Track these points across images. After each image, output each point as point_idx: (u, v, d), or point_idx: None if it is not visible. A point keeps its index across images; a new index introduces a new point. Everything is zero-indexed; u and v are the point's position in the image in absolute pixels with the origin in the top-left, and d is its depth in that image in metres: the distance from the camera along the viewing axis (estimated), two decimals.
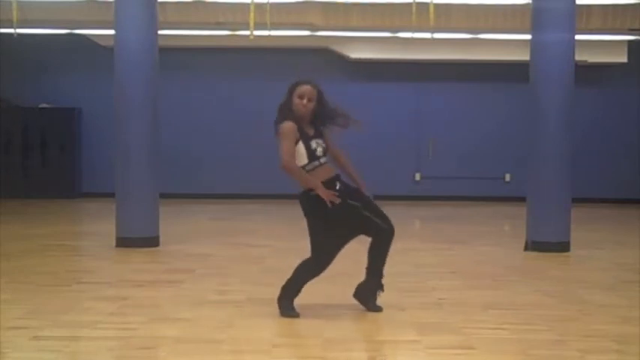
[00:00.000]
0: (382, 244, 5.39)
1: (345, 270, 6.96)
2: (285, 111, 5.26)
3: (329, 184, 5.20)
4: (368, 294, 5.45)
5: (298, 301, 5.71)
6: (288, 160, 5.12)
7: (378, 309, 5.40)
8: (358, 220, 5.24)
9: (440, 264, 7.60)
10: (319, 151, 5.24)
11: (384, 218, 5.39)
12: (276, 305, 5.40)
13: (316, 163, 5.22)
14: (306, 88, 5.26)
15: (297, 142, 5.17)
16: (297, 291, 5.35)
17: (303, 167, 5.18)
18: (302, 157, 5.18)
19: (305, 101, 5.22)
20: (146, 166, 8.34)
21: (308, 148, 5.19)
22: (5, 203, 12.43)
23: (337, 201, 5.11)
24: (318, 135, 5.31)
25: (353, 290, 5.50)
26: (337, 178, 5.31)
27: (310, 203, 5.20)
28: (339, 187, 5.25)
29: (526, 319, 5.27)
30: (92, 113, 13.99)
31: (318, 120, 5.33)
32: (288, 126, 5.17)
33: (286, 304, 5.30)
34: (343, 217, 5.17)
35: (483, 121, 14.05)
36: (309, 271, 5.33)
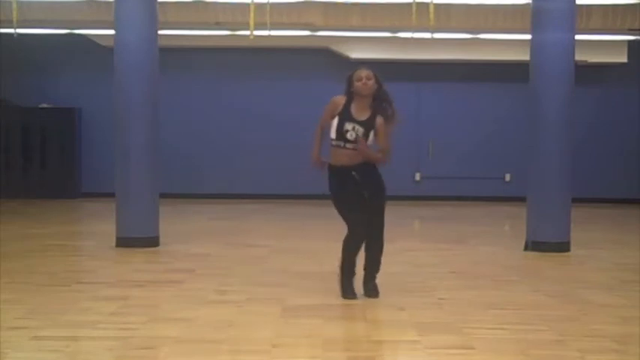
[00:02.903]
0: (369, 237, 5.74)
1: None
2: (348, 93, 5.69)
3: (341, 170, 5.61)
4: (369, 282, 5.91)
5: (300, 301, 5.71)
6: (317, 129, 5.76)
7: (374, 294, 5.85)
8: (355, 203, 5.64)
9: (440, 264, 7.60)
10: (350, 134, 5.56)
11: (375, 223, 5.72)
12: (276, 305, 5.41)
13: (340, 143, 5.59)
14: (361, 71, 5.68)
15: (333, 117, 5.61)
16: (351, 268, 5.75)
17: (331, 139, 5.63)
18: (332, 131, 5.62)
19: (364, 80, 5.62)
20: (146, 166, 8.34)
21: (339, 127, 5.58)
22: (5, 203, 12.43)
23: (317, 169, 5.67)
24: (368, 123, 5.62)
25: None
26: (355, 168, 5.60)
27: (328, 180, 5.72)
28: (354, 175, 5.62)
29: (526, 319, 5.27)
30: (92, 113, 13.99)
31: (376, 102, 5.71)
32: (333, 99, 5.70)
33: (346, 285, 5.75)
34: (344, 197, 5.64)
35: (483, 121, 14.05)
36: (349, 244, 5.70)
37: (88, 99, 13.96)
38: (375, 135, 5.69)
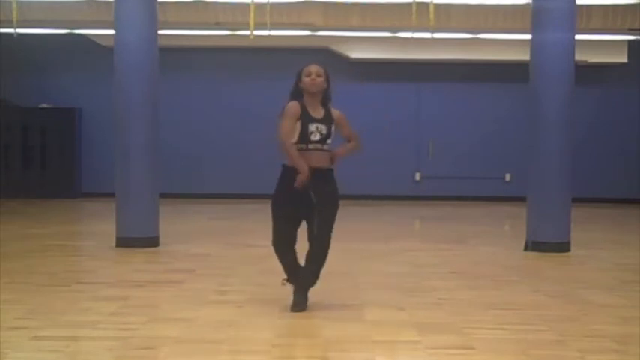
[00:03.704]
0: (310, 246, 5.38)
1: (344, 269, 6.97)
2: (295, 94, 5.35)
3: (296, 171, 5.19)
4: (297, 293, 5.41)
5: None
6: (282, 138, 5.23)
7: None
8: (304, 210, 5.26)
9: (440, 264, 7.60)
10: (315, 136, 5.24)
11: (320, 233, 5.30)
12: (276, 305, 5.41)
13: (303, 146, 5.23)
14: (312, 66, 5.36)
15: (297, 121, 5.24)
16: (286, 271, 5.46)
17: (295, 144, 5.24)
18: (296, 134, 5.24)
19: (313, 76, 5.30)
20: (146, 166, 8.34)
21: (303, 130, 5.23)
22: (5, 203, 12.43)
23: (300, 189, 5.16)
24: (327, 120, 5.32)
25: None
26: (316, 171, 5.19)
27: (281, 175, 5.35)
28: (312, 180, 5.19)
29: (526, 319, 5.26)
30: (92, 113, 14.00)
31: (324, 101, 5.38)
32: (290, 105, 5.27)
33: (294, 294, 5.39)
34: (294, 200, 5.24)
35: (483, 121, 14.06)
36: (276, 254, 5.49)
37: (88, 99, 13.97)
38: (339, 127, 5.39)
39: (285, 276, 5.50)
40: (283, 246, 5.43)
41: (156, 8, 8.43)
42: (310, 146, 5.24)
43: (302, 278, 5.41)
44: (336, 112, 5.39)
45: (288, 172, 5.26)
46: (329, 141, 5.30)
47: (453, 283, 6.56)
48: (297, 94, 5.34)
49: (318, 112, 5.30)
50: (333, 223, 5.35)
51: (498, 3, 11.34)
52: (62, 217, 11.62)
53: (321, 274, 5.44)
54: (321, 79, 5.32)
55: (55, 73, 14.03)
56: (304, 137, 5.23)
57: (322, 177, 5.27)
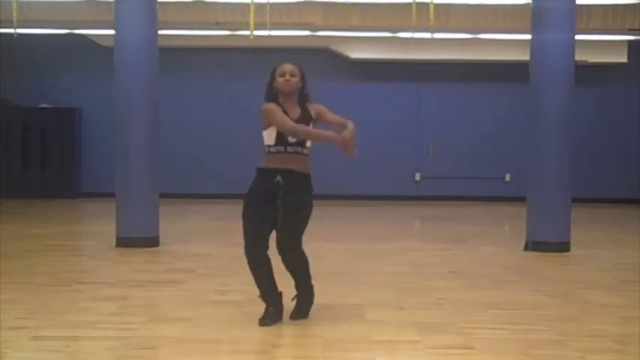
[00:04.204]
0: (289, 268, 5.22)
1: (343, 270, 6.97)
2: (270, 97, 5.07)
3: (267, 172, 5.00)
4: (304, 305, 5.23)
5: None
6: (289, 124, 4.91)
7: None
8: (267, 217, 5.08)
9: (440, 264, 7.60)
10: (292, 138, 4.95)
11: (283, 240, 5.13)
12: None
13: (281, 148, 4.96)
14: (286, 66, 5.06)
15: (270, 125, 4.96)
16: (266, 287, 5.11)
17: (268, 146, 4.99)
18: (270, 138, 4.97)
19: (287, 76, 5.01)
20: (146, 166, 8.34)
21: (279, 132, 4.94)
22: (5, 203, 12.43)
23: (347, 147, 4.85)
24: (305, 117, 5.05)
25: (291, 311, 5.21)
26: (285, 173, 4.96)
27: (256, 177, 5.14)
28: (278, 180, 4.97)
29: (526, 319, 5.26)
30: (92, 113, 14.01)
31: (300, 101, 5.10)
32: (271, 106, 4.97)
33: (266, 308, 5.09)
34: (258, 207, 5.11)
35: (483, 121, 14.06)
36: (248, 264, 5.23)
37: (88, 99, 13.98)
38: (322, 120, 5.13)
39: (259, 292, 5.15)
40: (258, 249, 5.12)
41: (156, 8, 8.44)
42: (289, 149, 4.97)
43: (305, 302, 5.20)
44: (315, 107, 5.12)
45: (263, 174, 5.05)
46: (308, 144, 5.02)
47: (453, 283, 6.56)
48: (272, 95, 5.07)
49: (295, 112, 5.04)
50: (298, 233, 5.11)
51: (498, 3, 11.34)
52: (62, 217, 11.62)
53: (314, 274, 5.29)
54: (295, 79, 5.03)
55: (55, 73, 14.03)
56: (281, 139, 4.95)
57: (294, 183, 4.99)
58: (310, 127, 5.01)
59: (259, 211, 5.10)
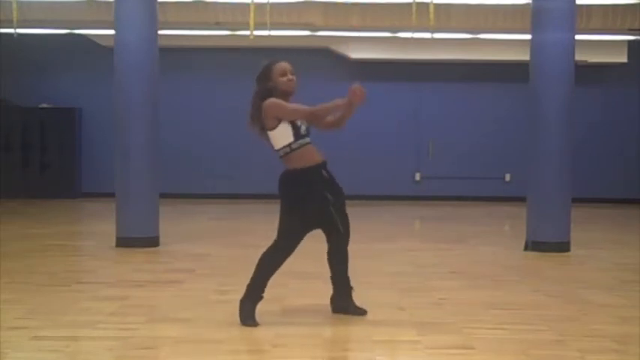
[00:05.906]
0: (339, 249, 5.21)
1: None
2: (265, 96, 4.93)
3: (316, 169, 4.94)
4: (345, 302, 5.27)
5: (300, 301, 5.71)
6: (306, 109, 4.83)
7: (362, 312, 5.24)
8: (324, 214, 4.97)
9: (440, 264, 7.60)
10: (303, 129, 4.93)
11: (345, 223, 5.12)
12: (276, 305, 5.40)
13: (302, 141, 4.90)
14: (284, 64, 4.97)
15: (280, 122, 4.87)
16: (261, 289, 5.06)
17: (289, 146, 4.89)
18: (287, 136, 4.88)
19: (290, 75, 4.95)
20: (146, 166, 8.34)
21: (294, 126, 4.87)
22: (5, 203, 12.43)
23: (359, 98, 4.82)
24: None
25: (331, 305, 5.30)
26: (324, 165, 5.02)
27: (290, 184, 4.98)
28: (325, 175, 4.99)
29: (526, 319, 5.26)
30: (92, 113, 14.00)
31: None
32: (271, 98, 4.88)
33: (248, 310, 4.99)
34: (315, 206, 4.94)
35: (483, 121, 14.06)
36: (274, 259, 5.08)
37: (88, 99, 13.97)
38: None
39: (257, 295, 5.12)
40: (290, 255, 5.10)
41: (156, 8, 8.44)
42: (308, 140, 4.95)
43: (348, 286, 5.25)
44: None
45: (310, 173, 4.91)
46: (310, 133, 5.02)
47: (453, 283, 6.56)
48: (267, 93, 4.94)
49: None
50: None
51: (498, 3, 11.33)
52: (62, 217, 11.62)
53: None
54: (295, 77, 4.97)
55: (55, 73, 14.03)
56: (298, 132, 4.89)
57: (331, 172, 5.03)
58: (328, 103, 4.88)
59: (314, 219, 5.01)
